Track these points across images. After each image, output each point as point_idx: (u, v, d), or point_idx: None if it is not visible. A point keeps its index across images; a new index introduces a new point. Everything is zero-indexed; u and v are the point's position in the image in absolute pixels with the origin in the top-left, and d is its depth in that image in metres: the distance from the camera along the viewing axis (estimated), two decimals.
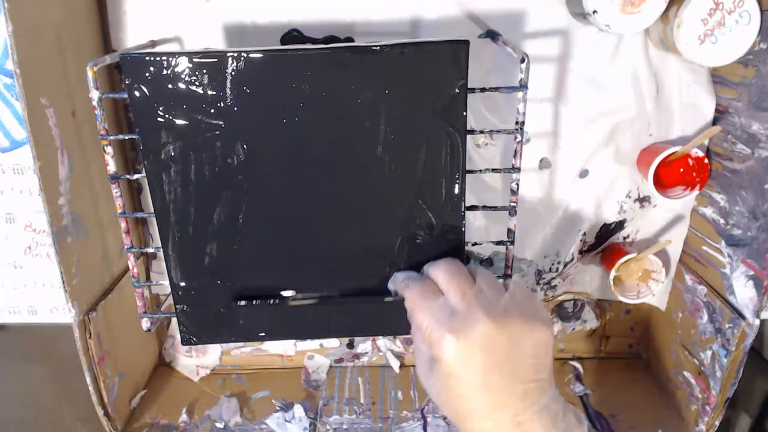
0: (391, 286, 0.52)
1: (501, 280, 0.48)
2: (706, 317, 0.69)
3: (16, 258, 0.74)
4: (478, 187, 0.69)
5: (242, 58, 0.47)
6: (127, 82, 0.48)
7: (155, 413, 0.75)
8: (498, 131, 0.53)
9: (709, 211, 0.70)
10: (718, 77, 0.67)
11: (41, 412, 0.87)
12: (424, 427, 0.74)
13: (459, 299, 0.45)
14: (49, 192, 0.56)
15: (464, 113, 0.49)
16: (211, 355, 0.83)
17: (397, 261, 0.53)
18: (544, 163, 0.71)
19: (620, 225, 0.75)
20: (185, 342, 0.56)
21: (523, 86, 0.49)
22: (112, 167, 0.52)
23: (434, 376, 0.44)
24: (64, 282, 0.59)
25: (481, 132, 0.53)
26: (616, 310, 0.82)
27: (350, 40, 0.65)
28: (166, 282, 0.54)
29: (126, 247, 0.55)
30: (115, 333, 0.68)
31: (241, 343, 0.83)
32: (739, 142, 0.64)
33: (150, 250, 0.59)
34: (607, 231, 0.75)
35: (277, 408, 0.76)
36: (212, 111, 0.48)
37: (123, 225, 0.54)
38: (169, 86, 0.48)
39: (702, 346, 0.69)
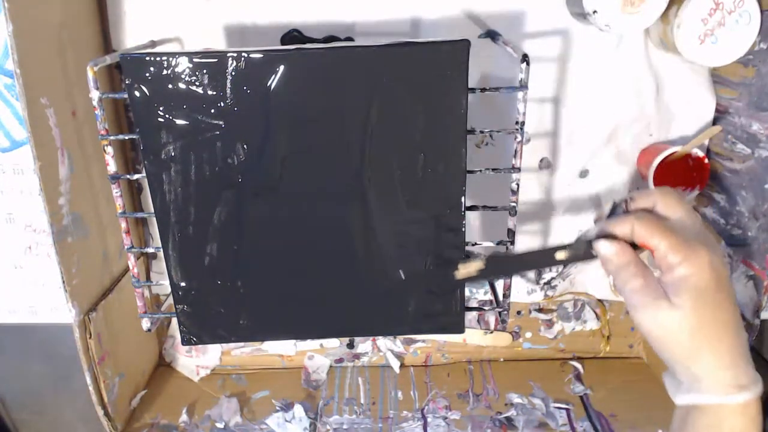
0: (591, 233, 0.47)
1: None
2: None
3: (16, 258, 0.74)
4: (478, 187, 0.69)
5: (242, 58, 0.47)
6: (127, 82, 0.48)
7: (155, 413, 0.75)
8: (498, 131, 0.53)
9: (709, 211, 0.70)
10: (718, 77, 0.67)
11: (41, 412, 0.87)
12: (424, 427, 0.74)
13: (691, 221, 0.44)
14: (49, 192, 0.56)
15: (464, 113, 0.49)
16: (211, 355, 0.83)
17: (398, 258, 0.53)
18: (544, 163, 0.71)
19: None
20: (185, 342, 0.56)
21: (523, 86, 0.49)
22: (112, 167, 0.52)
23: (683, 295, 0.42)
24: (64, 282, 0.59)
25: (481, 132, 0.53)
26: (616, 310, 0.82)
27: (350, 40, 0.65)
28: (166, 282, 0.54)
29: (126, 247, 0.55)
30: (115, 333, 0.68)
31: (241, 343, 0.83)
32: (739, 142, 0.64)
33: (150, 250, 0.59)
34: None
35: (277, 408, 0.76)
36: (212, 111, 0.48)
37: (123, 225, 0.54)
38: (169, 86, 0.48)
39: None
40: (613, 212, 0.47)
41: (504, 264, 0.51)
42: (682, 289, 0.42)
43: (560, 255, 0.47)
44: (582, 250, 0.47)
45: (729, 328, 0.43)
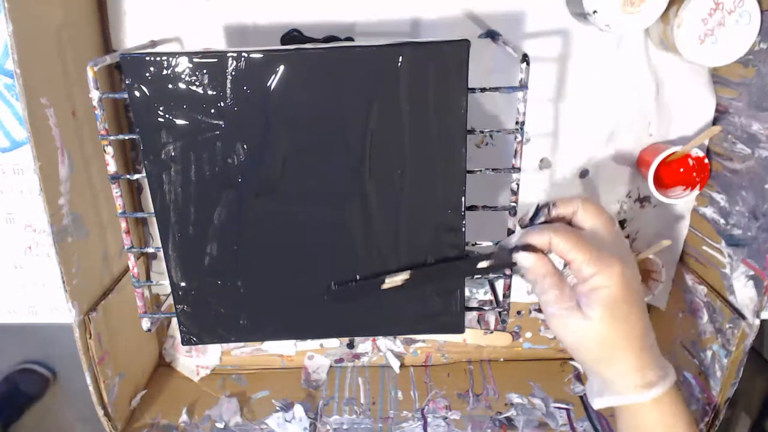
0: (511, 242, 0.50)
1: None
2: (706, 317, 0.69)
3: (16, 258, 0.74)
4: (478, 187, 0.69)
5: (242, 58, 0.47)
6: (127, 82, 0.48)
7: (155, 413, 0.75)
8: (498, 131, 0.53)
9: (709, 211, 0.70)
10: (718, 77, 0.67)
11: (41, 412, 0.87)
12: (424, 427, 0.74)
13: (608, 232, 0.47)
14: (49, 192, 0.56)
15: (464, 113, 0.49)
16: (211, 355, 0.83)
17: (398, 259, 0.53)
18: (544, 163, 0.71)
19: (620, 225, 0.75)
20: (185, 342, 0.56)
21: (523, 86, 0.49)
22: (112, 167, 0.52)
23: (594, 307, 0.45)
24: (64, 282, 0.59)
25: (481, 132, 0.53)
26: None
27: (350, 40, 0.65)
28: (166, 282, 0.54)
29: (126, 247, 0.55)
30: (115, 333, 0.68)
31: (241, 343, 0.83)
32: (739, 142, 0.64)
33: (150, 250, 0.59)
34: None
35: (277, 408, 0.76)
36: (212, 111, 0.48)
37: (123, 225, 0.54)
38: (169, 86, 0.48)
39: (702, 346, 0.69)
40: (536, 216, 0.49)
41: (428, 274, 0.52)
42: (593, 301, 0.45)
43: (482, 264, 0.50)
44: (503, 260, 0.49)
45: (636, 337, 0.46)
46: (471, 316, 0.81)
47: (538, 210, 0.50)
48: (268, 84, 0.48)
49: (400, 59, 0.47)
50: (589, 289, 0.45)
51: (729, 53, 0.59)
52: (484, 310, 0.58)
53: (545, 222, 0.49)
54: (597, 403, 0.49)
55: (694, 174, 0.68)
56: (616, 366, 0.46)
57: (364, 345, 0.83)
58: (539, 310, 0.81)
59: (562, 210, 0.49)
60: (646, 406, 0.46)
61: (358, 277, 0.53)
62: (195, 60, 0.47)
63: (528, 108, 0.51)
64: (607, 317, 0.45)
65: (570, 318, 0.46)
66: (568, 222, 0.49)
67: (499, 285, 0.57)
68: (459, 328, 0.56)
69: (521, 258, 0.47)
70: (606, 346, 0.46)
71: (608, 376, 0.47)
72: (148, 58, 0.47)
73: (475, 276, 0.53)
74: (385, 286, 0.52)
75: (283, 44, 0.65)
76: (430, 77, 0.48)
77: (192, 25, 0.65)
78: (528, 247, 0.47)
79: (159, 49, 0.64)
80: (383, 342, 0.83)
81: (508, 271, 0.54)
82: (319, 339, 0.81)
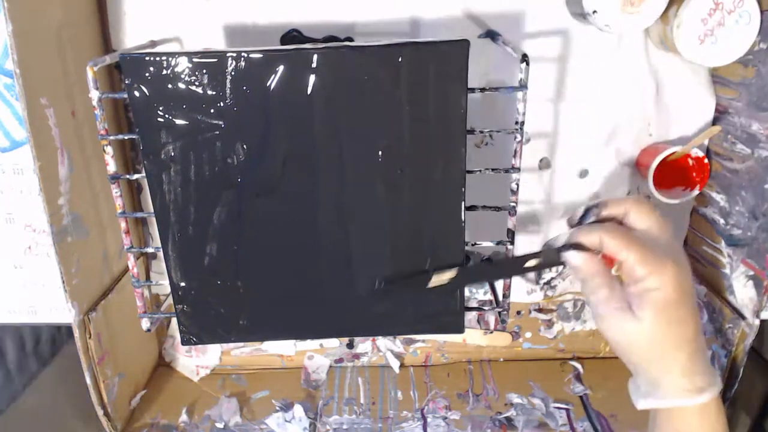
0: (558, 241, 0.49)
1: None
2: (706, 317, 0.69)
3: (16, 258, 0.74)
4: (478, 187, 0.69)
5: (242, 58, 0.47)
6: (127, 82, 0.48)
7: (155, 413, 0.75)
8: (498, 131, 0.53)
9: (709, 211, 0.70)
10: (718, 77, 0.67)
11: (41, 412, 0.87)
12: (424, 427, 0.74)
13: (661, 232, 0.45)
14: (49, 192, 0.56)
15: (464, 113, 0.49)
16: (211, 355, 0.83)
17: (397, 259, 0.53)
18: (544, 163, 0.71)
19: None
20: (185, 342, 0.56)
21: (523, 86, 0.49)
22: (112, 167, 0.52)
23: (646, 308, 0.44)
24: (64, 282, 0.59)
25: (481, 132, 0.53)
26: None
27: (350, 40, 0.65)
28: (166, 282, 0.54)
29: (126, 247, 0.55)
30: (115, 333, 0.68)
31: (241, 343, 0.83)
32: (739, 142, 0.64)
33: (150, 250, 0.59)
34: None
35: (277, 408, 0.76)
36: (212, 111, 0.48)
37: (123, 225, 0.54)
38: (169, 86, 0.48)
39: None
40: (585, 216, 0.48)
41: (475, 273, 0.51)
42: (645, 302, 0.44)
43: (531, 263, 0.49)
44: (551, 259, 0.48)
45: (688, 340, 0.45)
46: (471, 316, 0.81)
47: (587, 210, 0.48)
48: (268, 84, 0.48)
49: (400, 59, 0.47)
50: (642, 290, 0.44)
51: (729, 53, 0.59)
52: (484, 310, 0.58)
53: (595, 222, 0.48)
54: (641, 404, 0.47)
55: (694, 174, 0.68)
56: (665, 368, 0.45)
57: (363, 345, 0.83)
58: (539, 310, 0.81)
59: (612, 210, 0.47)
60: (689, 411, 0.45)
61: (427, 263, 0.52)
62: (195, 60, 0.47)
63: (528, 108, 0.51)
64: (659, 319, 0.44)
65: (620, 319, 0.45)
66: (619, 223, 0.47)
67: (499, 285, 0.57)
68: (459, 328, 0.56)
69: (570, 257, 0.46)
70: (656, 348, 0.44)
71: (657, 377, 0.46)
72: (147, 58, 0.47)
73: (523, 275, 0.52)
74: (431, 284, 0.51)
75: (282, 44, 0.65)
76: (430, 77, 0.48)
77: (192, 25, 0.65)
78: (577, 246, 0.46)
79: (159, 49, 0.64)
80: (383, 342, 0.83)
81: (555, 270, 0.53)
82: (319, 339, 0.81)
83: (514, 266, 0.51)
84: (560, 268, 0.76)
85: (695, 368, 0.45)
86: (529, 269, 0.49)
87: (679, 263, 0.44)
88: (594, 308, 0.47)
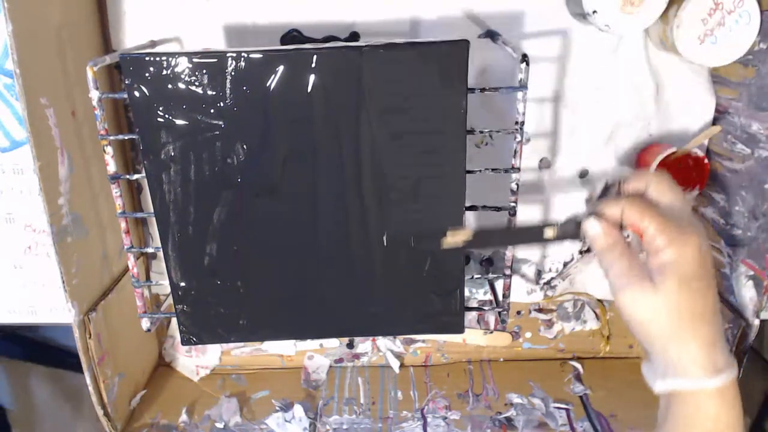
0: (588, 210, 0.47)
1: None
2: None
3: (16, 258, 0.74)
4: (478, 187, 0.69)
5: (242, 58, 0.47)
6: (127, 82, 0.48)
7: (155, 413, 0.75)
8: (498, 131, 0.53)
9: (709, 211, 0.70)
10: (718, 77, 0.67)
11: (41, 412, 0.87)
12: (424, 427, 0.74)
13: (682, 206, 0.45)
14: (49, 192, 0.56)
15: (464, 113, 0.49)
16: (211, 355, 0.83)
17: (398, 259, 0.53)
18: (544, 163, 0.71)
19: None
20: (185, 342, 0.56)
21: (523, 86, 0.49)
22: (112, 167, 0.52)
23: (669, 278, 0.43)
24: (64, 282, 0.59)
25: (481, 132, 0.53)
26: (616, 310, 0.82)
27: (356, 36, 0.65)
28: (166, 282, 0.54)
29: (126, 247, 0.55)
30: (115, 333, 0.68)
31: (241, 343, 0.83)
32: (739, 142, 0.64)
33: (150, 250, 0.59)
34: None
35: (277, 408, 0.76)
36: (212, 111, 0.48)
37: (123, 225, 0.54)
38: (169, 86, 0.48)
39: None
40: (605, 192, 0.47)
41: (491, 236, 0.51)
42: (667, 273, 0.43)
43: (549, 232, 0.47)
44: (570, 229, 0.47)
45: (708, 314, 0.44)
46: (471, 316, 0.81)
47: (607, 186, 0.48)
48: (268, 84, 0.48)
49: (400, 59, 0.47)
50: (664, 260, 0.43)
51: (729, 53, 0.59)
52: (484, 310, 0.58)
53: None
54: (659, 386, 0.46)
55: (694, 174, 0.68)
56: (684, 341, 0.44)
57: (363, 345, 0.83)
58: (539, 310, 0.81)
59: (633, 185, 0.46)
60: (706, 395, 0.44)
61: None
62: (195, 60, 0.47)
63: (528, 108, 0.51)
64: (681, 290, 0.42)
65: (640, 291, 0.43)
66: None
67: (499, 285, 0.57)
68: (459, 328, 0.56)
69: (590, 225, 0.45)
70: (677, 320, 0.43)
71: (675, 354, 0.44)
72: (147, 58, 0.47)
73: (540, 244, 0.51)
74: (445, 245, 0.49)
75: (282, 44, 0.65)
76: (430, 77, 0.48)
77: (192, 25, 0.65)
78: (598, 217, 0.45)
79: (159, 49, 0.64)
80: (383, 342, 0.83)
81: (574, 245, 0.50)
82: (319, 339, 0.81)
83: (531, 234, 0.50)
84: (560, 268, 0.77)
85: (714, 346, 0.44)
86: (548, 239, 0.48)
87: (701, 236, 0.43)
88: (612, 281, 0.45)
